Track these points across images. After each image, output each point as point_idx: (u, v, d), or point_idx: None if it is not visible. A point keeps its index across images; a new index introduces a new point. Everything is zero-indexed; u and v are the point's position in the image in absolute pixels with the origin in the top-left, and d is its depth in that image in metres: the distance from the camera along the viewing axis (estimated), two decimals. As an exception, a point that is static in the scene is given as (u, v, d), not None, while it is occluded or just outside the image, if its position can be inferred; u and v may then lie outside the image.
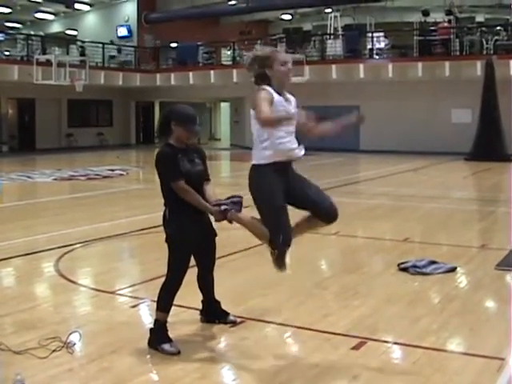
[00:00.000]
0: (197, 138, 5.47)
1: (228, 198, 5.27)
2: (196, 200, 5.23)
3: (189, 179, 5.24)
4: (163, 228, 5.38)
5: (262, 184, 4.99)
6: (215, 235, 5.55)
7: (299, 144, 5.15)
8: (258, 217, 5.12)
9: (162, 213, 5.42)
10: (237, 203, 5.20)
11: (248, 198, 5.18)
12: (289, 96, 5.17)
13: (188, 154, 5.36)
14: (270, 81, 5.02)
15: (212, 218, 5.43)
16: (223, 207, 5.18)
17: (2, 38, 32.13)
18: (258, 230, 5.09)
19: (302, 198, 5.09)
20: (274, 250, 5.10)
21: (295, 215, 5.29)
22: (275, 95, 4.97)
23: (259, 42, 32.52)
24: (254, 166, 5.09)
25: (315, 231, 5.15)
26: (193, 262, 5.47)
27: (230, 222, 5.26)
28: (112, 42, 33.83)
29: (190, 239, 5.27)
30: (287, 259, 5.25)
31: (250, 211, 5.23)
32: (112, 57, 33.05)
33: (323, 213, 5.07)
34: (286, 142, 5.04)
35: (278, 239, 4.93)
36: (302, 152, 5.14)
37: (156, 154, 5.36)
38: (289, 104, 5.10)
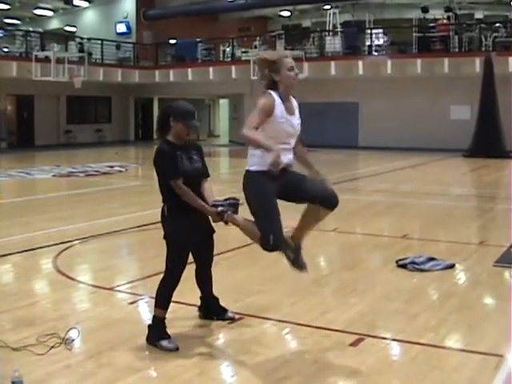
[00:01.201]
0: (196, 134, 5.47)
1: (225, 200, 5.31)
2: (194, 200, 5.23)
3: (187, 178, 5.25)
4: (161, 225, 5.39)
5: (254, 189, 5.02)
6: (213, 232, 5.56)
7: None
8: (252, 219, 5.14)
9: (159, 209, 5.42)
10: (233, 205, 5.25)
11: (242, 197, 5.19)
12: (294, 103, 5.14)
13: (187, 151, 5.36)
14: (277, 85, 5.01)
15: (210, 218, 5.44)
16: (220, 209, 5.22)
17: (0, 35, 32.10)
18: (251, 232, 5.14)
19: (298, 190, 5.08)
20: (287, 253, 5.17)
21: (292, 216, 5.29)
22: (278, 104, 4.94)
23: (258, 38, 32.52)
24: (247, 171, 5.10)
25: (316, 226, 5.14)
26: (191, 258, 5.48)
27: (226, 223, 5.30)
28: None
29: (188, 236, 5.27)
30: (303, 259, 5.28)
31: (243, 211, 5.23)
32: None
33: (323, 197, 5.02)
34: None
35: (268, 241, 4.95)
36: (291, 160, 5.13)
37: (155, 150, 5.35)
38: (292, 115, 5.05)
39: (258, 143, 4.78)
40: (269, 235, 4.93)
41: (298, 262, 5.22)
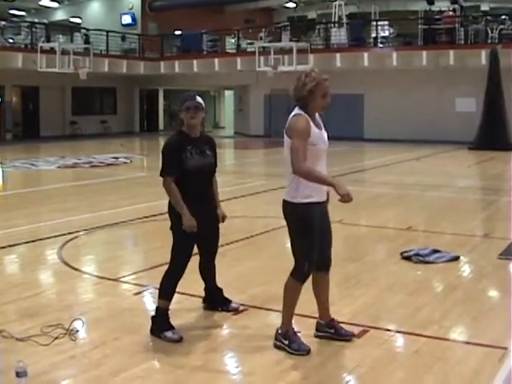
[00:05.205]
0: (200, 123, 5.43)
1: None
2: (177, 202, 5.22)
3: (200, 172, 5.26)
4: (168, 216, 5.39)
5: (307, 222, 4.88)
6: (218, 222, 5.57)
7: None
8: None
9: (165, 201, 5.43)
10: None
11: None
12: (319, 119, 5.06)
13: (199, 144, 5.36)
14: (306, 104, 4.89)
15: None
16: None
17: (6, 26, 32.08)
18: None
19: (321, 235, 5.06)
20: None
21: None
22: (312, 124, 4.85)
23: (263, 30, 32.44)
24: (293, 204, 4.88)
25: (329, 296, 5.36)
26: (195, 249, 5.48)
27: (223, 220, 5.41)
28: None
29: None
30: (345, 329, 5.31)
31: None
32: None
33: (321, 259, 5.10)
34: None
35: (303, 267, 4.96)
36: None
37: (166, 140, 5.39)
38: (322, 130, 5.00)
39: (319, 179, 4.77)
40: (305, 263, 4.94)
41: (342, 335, 5.22)
